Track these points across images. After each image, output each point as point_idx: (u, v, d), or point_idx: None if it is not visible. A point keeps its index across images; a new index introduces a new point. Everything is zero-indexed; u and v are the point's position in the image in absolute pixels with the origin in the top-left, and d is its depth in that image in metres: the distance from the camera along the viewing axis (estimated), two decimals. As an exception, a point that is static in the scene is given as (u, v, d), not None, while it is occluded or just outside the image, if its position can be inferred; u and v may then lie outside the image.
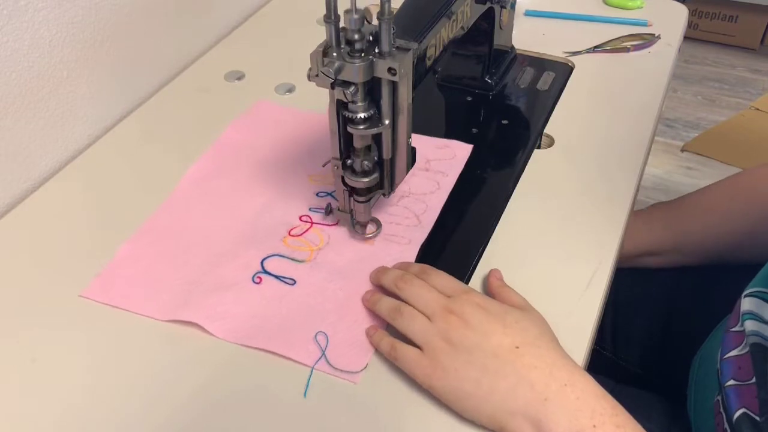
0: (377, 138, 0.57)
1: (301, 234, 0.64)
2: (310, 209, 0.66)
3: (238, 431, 0.50)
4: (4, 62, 0.65)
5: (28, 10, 0.65)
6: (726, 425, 0.56)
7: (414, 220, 0.65)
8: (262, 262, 0.61)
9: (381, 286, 0.58)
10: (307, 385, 0.52)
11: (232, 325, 0.55)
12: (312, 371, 0.53)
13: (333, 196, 0.67)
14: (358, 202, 0.61)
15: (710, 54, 2.31)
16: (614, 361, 0.82)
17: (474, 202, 0.68)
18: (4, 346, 0.55)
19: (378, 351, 0.53)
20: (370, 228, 0.64)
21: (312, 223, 0.65)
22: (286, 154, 0.73)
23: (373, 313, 0.56)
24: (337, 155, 0.58)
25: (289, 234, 0.64)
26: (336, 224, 0.64)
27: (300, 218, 0.65)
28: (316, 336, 0.55)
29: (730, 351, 0.58)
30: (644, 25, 0.92)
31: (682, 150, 1.92)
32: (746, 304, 0.59)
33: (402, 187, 0.67)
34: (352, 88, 0.52)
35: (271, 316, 0.56)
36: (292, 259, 0.61)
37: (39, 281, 0.60)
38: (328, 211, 0.65)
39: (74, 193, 0.70)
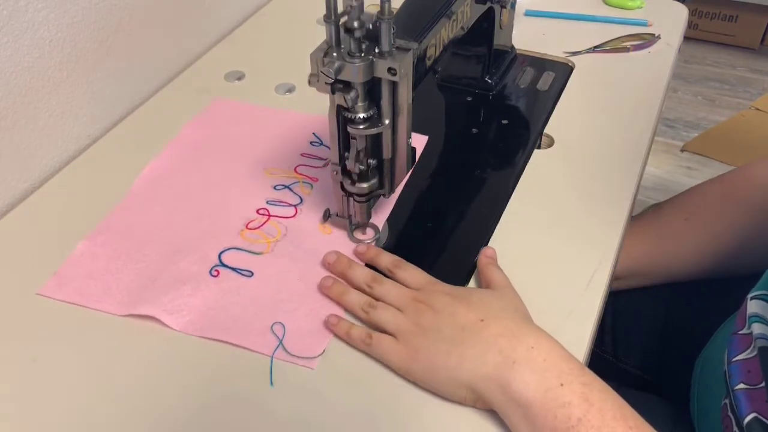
0: (377, 138, 0.57)
1: (259, 227, 0.64)
2: (267, 202, 0.67)
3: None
4: (4, 62, 0.65)
5: (28, 10, 0.65)
6: (735, 429, 0.56)
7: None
8: (219, 255, 0.61)
9: (343, 277, 0.59)
10: (271, 374, 0.52)
11: (189, 318, 0.56)
12: (272, 359, 0.53)
13: (290, 189, 0.68)
14: (358, 202, 0.61)
15: (710, 54, 2.30)
16: (615, 363, 0.81)
17: (474, 202, 0.68)
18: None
19: (345, 341, 0.55)
20: (369, 232, 0.64)
21: (269, 216, 0.66)
22: (243, 149, 0.74)
23: (330, 300, 0.58)
24: (337, 160, 0.58)
25: (247, 227, 0.64)
26: (294, 216, 0.65)
27: (257, 211, 0.66)
28: (273, 325, 0.56)
29: (739, 354, 0.58)
30: (644, 25, 0.92)
31: (682, 150, 1.92)
32: (753, 306, 0.59)
33: None
34: (352, 93, 0.52)
35: (229, 308, 0.57)
36: (250, 252, 0.62)
37: (39, 281, 0.60)
38: (326, 216, 0.65)
39: (74, 193, 0.69)
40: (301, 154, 0.73)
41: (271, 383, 0.52)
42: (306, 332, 0.55)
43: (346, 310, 0.57)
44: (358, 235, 0.63)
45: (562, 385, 0.46)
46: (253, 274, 0.60)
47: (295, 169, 0.71)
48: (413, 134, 0.71)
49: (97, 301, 0.58)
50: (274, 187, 0.69)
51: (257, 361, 0.54)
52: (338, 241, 0.63)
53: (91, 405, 0.51)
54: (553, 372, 0.47)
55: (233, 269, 0.60)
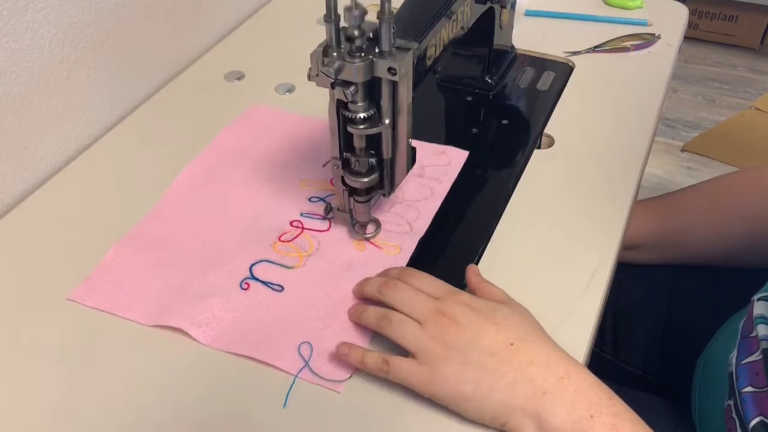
0: (377, 138, 0.57)
1: (292, 240, 0.63)
2: (301, 214, 0.66)
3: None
4: (4, 62, 0.65)
5: (28, 10, 0.65)
6: (740, 431, 0.56)
7: (406, 227, 0.64)
8: (250, 268, 0.60)
9: (365, 299, 0.57)
10: (287, 395, 0.51)
11: (216, 332, 0.55)
12: (294, 380, 0.52)
13: (325, 201, 0.66)
14: (358, 202, 0.61)
15: (710, 54, 2.30)
16: (615, 364, 0.81)
17: (474, 202, 0.68)
18: None
19: (361, 368, 0.52)
20: (370, 228, 0.64)
21: (303, 228, 0.64)
22: (279, 158, 0.72)
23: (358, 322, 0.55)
24: (337, 155, 0.58)
25: (279, 240, 0.63)
26: (328, 230, 0.64)
27: (291, 223, 0.65)
28: (300, 344, 0.54)
29: (748, 356, 0.58)
30: (644, 25, 0.92)
31: (682, 150, 1.92)
32: (759, 308, 0.59)
33: (395, 194, 0.66)
34: (352, 88, 0.52)
35: (257, 323, 0.56)
36: (281, 265, 0.61)
37: (37, 282, 0.60)
38: (328, 210, 0.65)
39: (74, 193, 0.69)
40: None
41: (285, 403, 0.51)
42: (335, 353, 0.53)
43: (367, 328, 0.54)
44: (359, 230, 0.63)
45: (591, 416, 0.45)
46: (283, 288, 0.59)
47: (330, 181, 0.68)
48: (452, 148, 0.72)
49: (126, 309, 0.57)
50: (309, 199, 0.67)
51: (281, 379, 0.52)
52: (371, 260, 0.61)
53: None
54: (582, 403, 0.46)
55: (264, 283, 0.59)
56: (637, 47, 0.88)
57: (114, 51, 0.77)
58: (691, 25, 2.28)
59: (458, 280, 0.59)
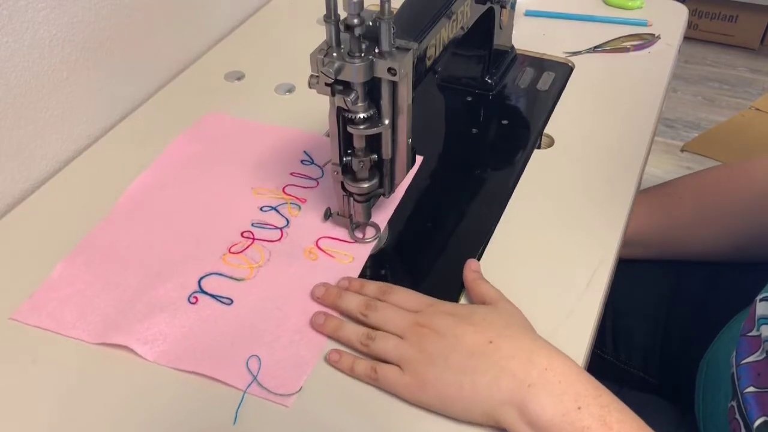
0: (377, 138, 0.57)
1: (242, 251, 0.62)
2: (252, 224, 0.65)
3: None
4: (4, 62, 0.65)
5: (28, 10, 0.65)
6: None
7: (359, 235, 0.63)
8: (199, 282, 0.59)
9: (335, 308, 0.56)
10: (237, 411, 0.50)
11: (163, 348, 0.54)
12: (243, 395, 0.51)
13: (277, 211, 0.66)
14: (358, 202, 0.61)
15: (710, 54, 2.30)
16: (616, 365, 0.81)
17: (474, 202, 0.68)
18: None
19: (350, 375, 0.52)
20: (369, 232, 0.64)
21: (254, 239, 0.63)
22: (231, 166, 0.71)
23: (312, 330, 0.55)
24: (338, 160, 0.58)
25: (229, 251, 0.62)
26: (279, 240, 0.63)
27: (242, 234, 0.63)
28: (249, 358, 0.53)
29: (748, 356, 0.58)
30: (644, 25, 0.92)
31: (682, 150, 1.92)
32: (762, 308, 0.58)
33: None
34: (352, 95, 0.52)
35: (206, 338, 0.55)
36: (231, 278, 0.60)
37: (38, 282, 0.60)
38: (327, 215, 0.65)
39: (74, 193, 0.69)
40: (291, 173, 0.70)
41: (235, 420, 0.49)
42: (284, 366, 0.53)
43: (344, 345, 0.54)
44: (359, 234, 0.63)
45: (579, 408, 0.45)
46: (232, 301, 0.58)
47: (283, 189, 0.68)
48: None
49: (70, 327, 0.56)
50: (261, 209, 0.66)
51: (231, 395, 0.51)
52: (324, 268, 0.60)
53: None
54: (569, 395, 0.46)
55: (213, 296, 0.58)
56: (637, 47, 0.88)
57: (114, 51, 0.77)
58: (690, 25, 2.28)
59: (458, 281, 0.59)
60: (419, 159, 0.71)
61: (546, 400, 0.46)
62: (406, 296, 0.55)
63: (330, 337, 0.55)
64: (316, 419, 0.50)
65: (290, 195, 0.68)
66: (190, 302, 0.58)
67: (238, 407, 0.50)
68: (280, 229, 0.64)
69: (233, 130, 0.76)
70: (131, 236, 0.64)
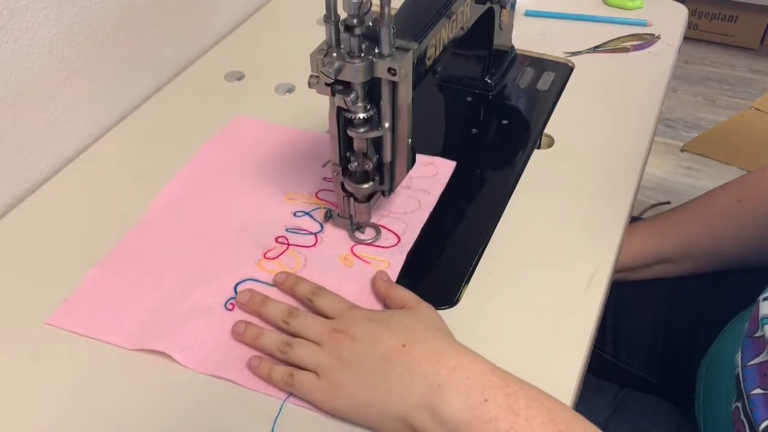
0: (377, 140, 0.57)
1: (277, 257, 0.62)
2: (287, 230, 0.64)
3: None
4: (4, 62, 0.65)
5: (28, 10, 0.65)
6: None
7: (394, 241, 0.63)
8: (235, 287, 0.59)
9: (258, 316, 0.56)
10: (275, 421, 0.49)
11: (200, 355, 0.53)
12: (282, 405, 0.51)
13: (311, 216, 0.65)
14: (358, 202, 0.61)
15: (710, 54, 2.30)
16: (616, 365, 0.81)
17: (474, 202, 0.68)
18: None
19: (268, 382, 0.52)
20: (369, 233, 0.64)
21: (288, 245, 0.63)
22: (263, 172, 0.71)
23: None
24: (338, 161, 0.58)
25: (264, 257, 0.61)
26: (314, 246, 0.63)
27: (276, 240, 0.63)
28: None
29: (753, 358, 0.58)
30: (644, 25, 0.92)
31: (682, 150, 1.92)
32: (765, 308, 0.58)
33: (381, 207, 0.66)
34: (352, 95, 0.52)
35: (242, 345, 0.54)
36: (267, 284, 0.59)
37: (38, 283, 0.60)
38: (328, 216, 0.64)
39: (74, 193, 0.69)
40: (324, 179, 0.69)
41: (273, 430, 0.49)
42: None
43: (264, 354, 0.53)
44: (359, 235, 0.63)
45: (486, 400, 0.45)
46: None
47: (316, 195, 0.68)
48: (439, 159, 0.71)
49: (107, 333, 0.55)
50: (294, 214, 0.66)
51: (269, 404, 0.51)
52: (359, 275, 0.60)
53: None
54: (476, 389, 0.46)
55: None
56: (636, 47, 0.88)
57: (114, 51, 0.77)
58: (690, 25, 2.28)
59: (458, 282, 0.59)
60: (452, 164, 0.71)
61: (454, 398, 0.46)
62: (330, 300, 0.55)
63: (250, 345, 0.54)
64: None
65: (323, 200, 0.67)
66: (226, 308, 0.57)
67: (277, 417, 0.50)
68: (315, 234, 0.64)
69: (262, 134, 0.76)
70: (165, 242, 0.63)
